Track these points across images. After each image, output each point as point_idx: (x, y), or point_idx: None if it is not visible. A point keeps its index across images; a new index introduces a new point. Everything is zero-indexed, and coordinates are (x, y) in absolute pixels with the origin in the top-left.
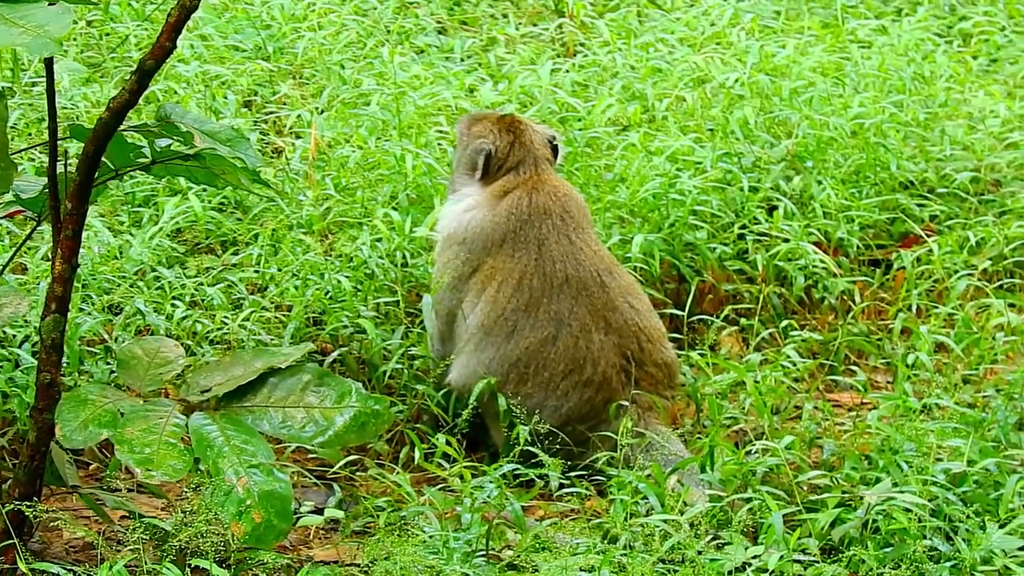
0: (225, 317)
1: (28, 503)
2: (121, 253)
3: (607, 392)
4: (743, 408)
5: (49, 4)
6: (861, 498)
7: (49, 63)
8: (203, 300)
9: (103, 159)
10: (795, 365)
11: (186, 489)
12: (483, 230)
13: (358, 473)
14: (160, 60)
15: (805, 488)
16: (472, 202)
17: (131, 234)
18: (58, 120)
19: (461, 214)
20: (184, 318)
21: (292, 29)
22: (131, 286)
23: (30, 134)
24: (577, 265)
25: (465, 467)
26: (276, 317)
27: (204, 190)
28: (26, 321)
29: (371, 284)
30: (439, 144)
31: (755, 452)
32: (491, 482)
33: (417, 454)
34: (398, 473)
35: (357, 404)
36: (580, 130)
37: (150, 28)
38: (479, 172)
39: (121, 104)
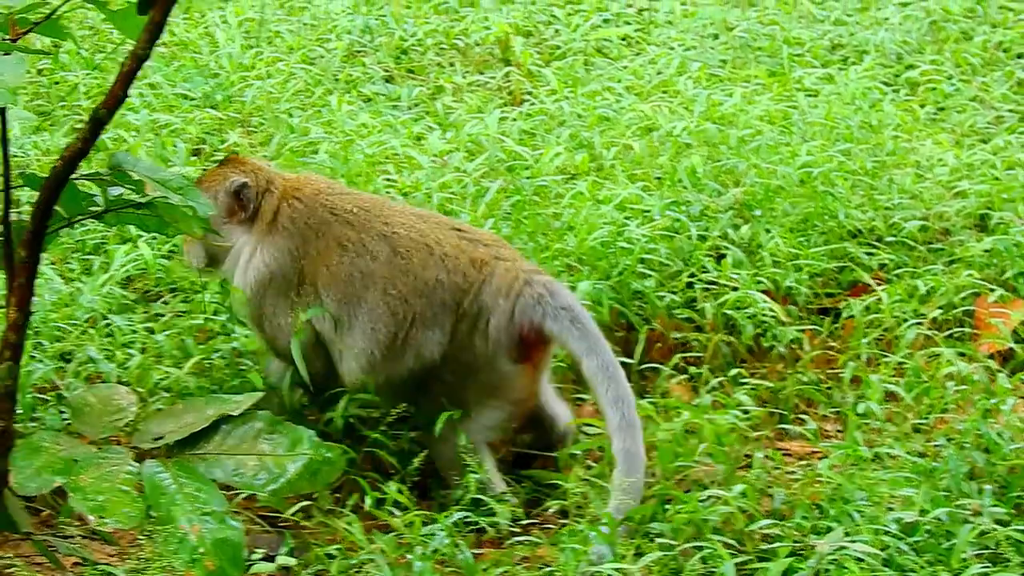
0: (179, 364)
1: None
2: (72, 300)
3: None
4: (694, 456)
5: (4, 54)
6: (813, 547)
7: (2, 112)
8: (153, 346)
9: (56, 207)
10: (747, 413)
11: (140, 537)
12: (282, 250)
13: (307, 520)
14: (113, 109)
15: (757, 537)
16: (251, 247)
17: (82, 281)
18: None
19: (248, 263)
20: (140, 368)
21: (240, 78)
22: (82, 333)
23: None
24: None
25: (416, 514)
26: (226, 364)
27: (154, 238)
28: None
29: None
30: (387, 192)
31: (706, 500)
32: (442, 530)
33: (368, 501)
34: (348, 520)
35: (310, 451)
36: (528, 178)
37: (100, 76)
38: (248, 208)
39: (74, 153)
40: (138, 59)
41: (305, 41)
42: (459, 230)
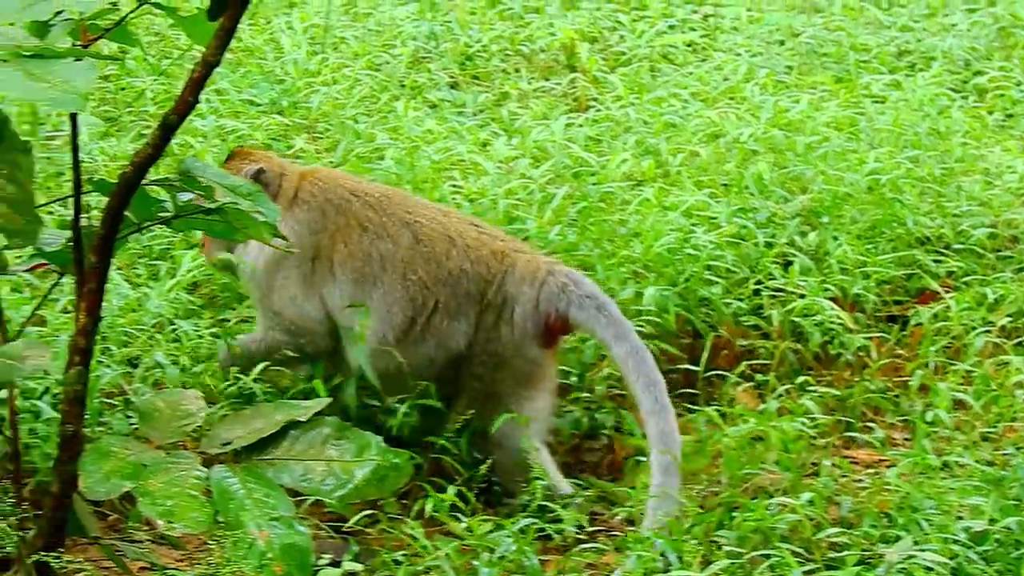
0: (245, 370)
1: (52, 554)
2: (139, 305)
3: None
4: (761, 463)
5: (74, 60)
6: (881, 556)
7: (74, 118)
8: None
9: (126, 212)
10: (813, 421)
11: (208, 542)
12: (301, 222)
13: (371, 526)
14: (183, 115)
15: (824, 545)
16: None
17: (149, 287)
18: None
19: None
20: (207, 374)
21: (306, 84)
22: (149, 338)
23: (48, 188)
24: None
25: (481, 519)
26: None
27: None
28: (46, 373)
29: None
30: (453, 198)
31: (773, 508)
32: (508, 536)
33: (430, 506)
34: (412, 526)
35: (377, 457)
36: (594, 184)
37: (166, 82)
38: (268, 192)
39: (144, 158)
40: (208, 65)
41: (370, 47)
42: (477, 225)
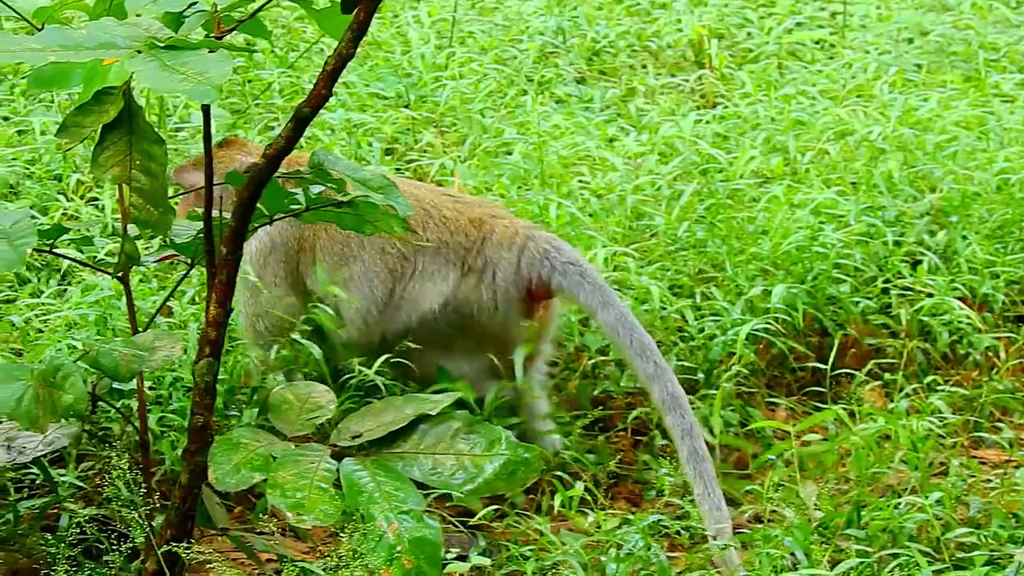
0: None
1: (181, 544)
2: None
3: None
4: (889, 462)
5: (208, 51)
6: (1010, 557)
7: (207, 110)
8: None
9: (257, 205)
10: (941, 420)
11: (336, 534)
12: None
13: (497, 520)
14: (316, 108)
15: (952, 546)
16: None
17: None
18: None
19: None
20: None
21: (434, 78)
22: None
23: None
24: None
25: (608, 515)
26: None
27: None
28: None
29: None
30: (581, 194)
31: (902, 507)
32: (636, 532)
33: (558, 501)
34: (539, 521)
35: (507, 452)
36: (722, 182)
37: (293, 75)
38: None
39: (276, 151)
40: (342, 58)
41: (497, 42)
42: (452, 196)
